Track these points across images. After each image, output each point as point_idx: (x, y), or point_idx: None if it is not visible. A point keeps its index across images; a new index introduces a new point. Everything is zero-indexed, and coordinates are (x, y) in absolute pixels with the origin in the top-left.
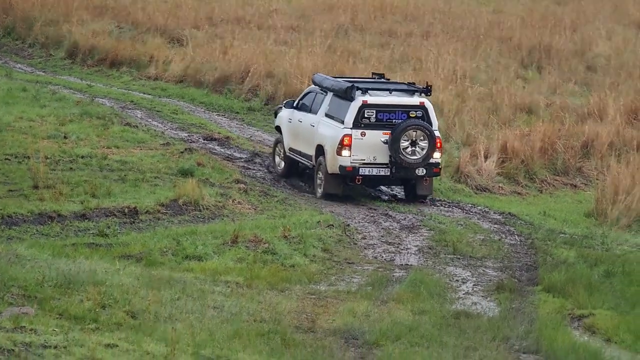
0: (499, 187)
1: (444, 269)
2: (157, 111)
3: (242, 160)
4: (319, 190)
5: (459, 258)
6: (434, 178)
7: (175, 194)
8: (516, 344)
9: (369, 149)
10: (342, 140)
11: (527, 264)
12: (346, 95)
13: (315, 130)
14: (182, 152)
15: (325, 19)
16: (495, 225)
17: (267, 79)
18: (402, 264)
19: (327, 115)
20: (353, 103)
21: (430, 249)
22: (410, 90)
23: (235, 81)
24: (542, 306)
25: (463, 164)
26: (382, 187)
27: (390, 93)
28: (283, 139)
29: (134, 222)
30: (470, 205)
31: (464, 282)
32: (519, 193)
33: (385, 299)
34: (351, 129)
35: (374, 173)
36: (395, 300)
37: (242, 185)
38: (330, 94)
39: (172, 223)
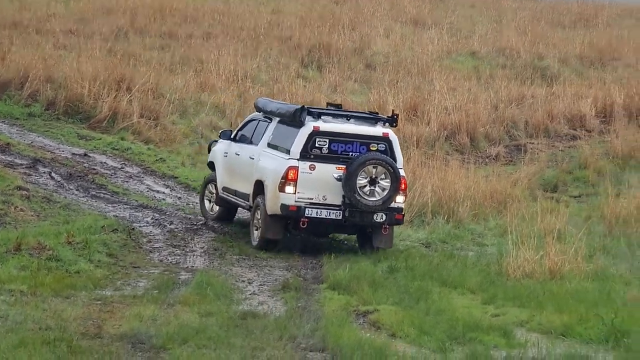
0: None
1: (230, 270)
2: None
3: (24, 166)
4: (255, 236)
5: (244, 259)
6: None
7: None
8: (303, 342)
9: (318, 186)
10: (286, 174)
11: (312, 262)
12: (294, 119)
13: (254, 163)
14: None
15: (104, 22)
16: None
17: (47, 84)
18: (188, 267)
19: (270, 145)
20: (302, 129)
21: (215, 250)
22: (373, 119)
23: (14, 87)
24: (327, 304)
25: None
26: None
27: (348, 120)
28: (216, 177)
29: None
30: None
31: (250, 283)
32: None
33: (172, 302)
34: (298, 160)
35: (323, 216)
36: (182, 303)
37: (24, 192)
38: (275, 121)
39: None
